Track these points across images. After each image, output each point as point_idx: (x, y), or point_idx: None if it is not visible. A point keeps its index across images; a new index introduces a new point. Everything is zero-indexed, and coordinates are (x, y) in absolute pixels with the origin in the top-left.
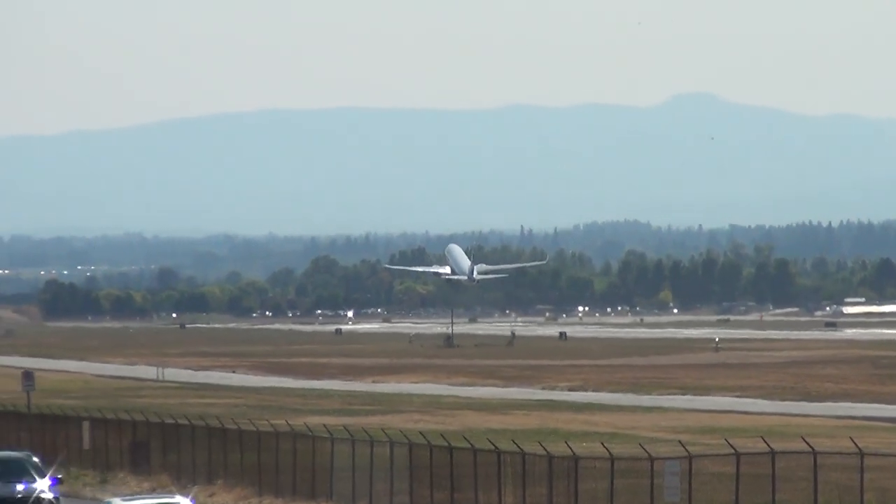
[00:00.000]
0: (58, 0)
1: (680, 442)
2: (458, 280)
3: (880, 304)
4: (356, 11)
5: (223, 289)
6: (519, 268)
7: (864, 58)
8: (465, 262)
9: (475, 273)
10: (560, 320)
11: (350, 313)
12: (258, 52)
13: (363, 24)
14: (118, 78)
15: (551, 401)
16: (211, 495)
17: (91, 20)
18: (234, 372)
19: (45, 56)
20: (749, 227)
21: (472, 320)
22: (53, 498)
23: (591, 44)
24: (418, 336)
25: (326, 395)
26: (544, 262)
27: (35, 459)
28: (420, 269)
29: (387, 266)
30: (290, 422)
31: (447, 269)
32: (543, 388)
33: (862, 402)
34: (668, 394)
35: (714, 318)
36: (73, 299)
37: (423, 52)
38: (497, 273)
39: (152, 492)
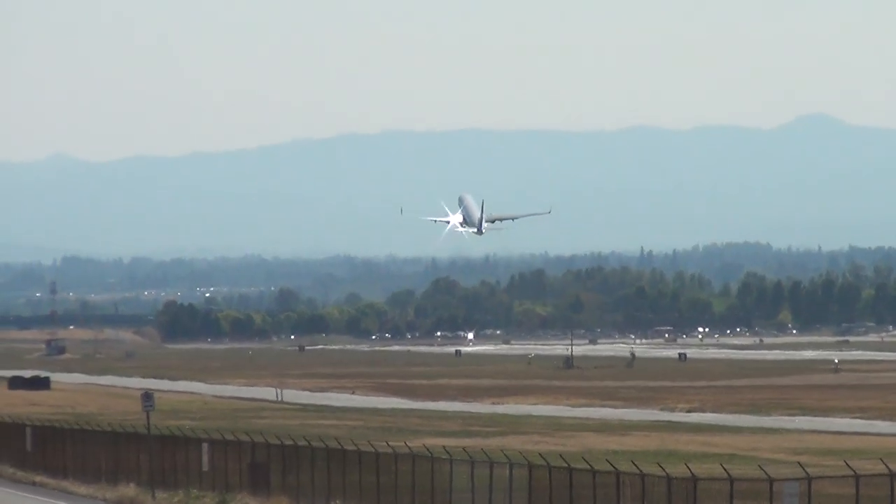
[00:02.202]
0: (179, 23)
1: (799, 464)
2: (467, 231)
3: None
4: (475, 35)
5: (342, 310)
6: (520, 217)
7: None
8: (477, 213)
9: (483, 225)
10: (680, 341)
11: (470, 335)
12: (381, 72)
13: (482, 47)
14: (238, 99)
15: (670, 422)
16: None
17: (212, 42)
18: (353, 393)
19: (164, 78)
20: (869, 248)
21: (592, 341)
22: None
23: (712, 66)
24: (537, 357)
25: (446, 417)
26: (548, 212)
27: None
28: (433, 218)
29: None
30: (409, 443)
31: (459, 219)
32: (662, 410)
33: None
34: (788, 415)
35: (833, 339)
36: (192, 321)
37: (543, 73)
38: (503, 220)
39: None
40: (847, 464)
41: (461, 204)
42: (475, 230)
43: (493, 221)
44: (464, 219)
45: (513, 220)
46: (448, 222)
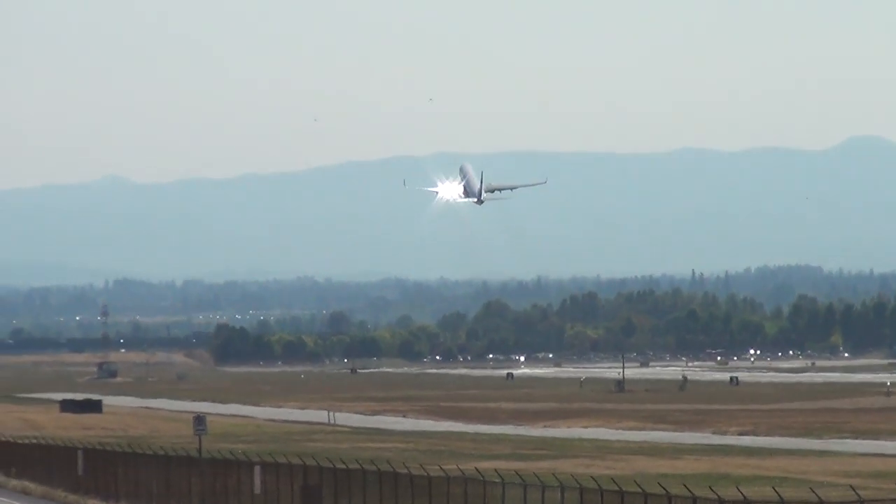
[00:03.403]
0: (231, 47)
1: (851, 487)
2: (466, 200)
3: None
4: (524, 58)
5: (394, 333)
6: (520, 188)
7: None
8: (477, 184)
9: (483, 195)
10: (731, 364)
11: (521, 358)
12: (433, 95)
13: (531, 70)
14: (290, 122)
15: (722, 445)
16: None
17: (265, 65)
18: (405, 416)
19: (216, 101)
20: None
21: (644, 364)
22: None
23: (762, 87)
24: (589, 381)
25: (497, 440)
26: (544, 182)
27: None
28: (434, 189)
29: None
30: (461, 466)
31: (460, 189)
32: (714, 433)
33: None
34: (840, 438)
35: (885, 362)
36: (244, 344)
37: (593, 95)
38: (503, 189)
39: None
40: None
41: (462, 174)
42: (475, 200)
43: (492, 191)
44: (464, 189)
45: (511, 189)
46: (437, 192)
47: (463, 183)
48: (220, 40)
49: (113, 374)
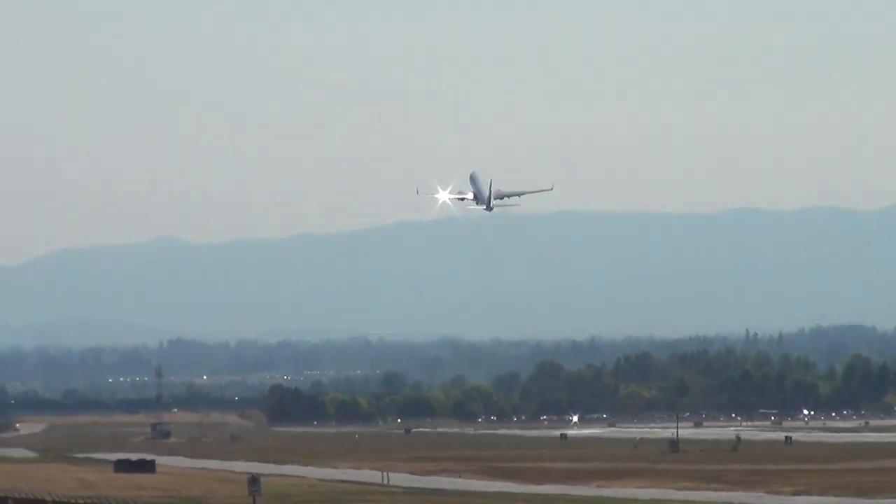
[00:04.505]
0: (281, 107)
1: None
2: (477, 208)
3: None
4: (572, 113)
5: (448, 393)
6: (526, 194)
7: None
8: (486, 191)
9: (492, 202)
10: (785, 424)
11: (575, 418)
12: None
13: (580, 126)
14: (343, 181)
15: None
16: None
17: (315, 125)
18: (459, 476)
19: (268, 161)
20: None
21: (697, 424)
22: None
23: (814, 147)
24: (643, 441)
25: (551, 500)
26: (550, 188)
27: None
28: (447, 196)
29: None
30: None
31: (470, 195)
32: (768, 493)
33: None
34: (893, 498)
35: None
36: (297, 404)
37: (646, 154)
38: (511, 196)
39: None
40: None
41: (473, 181)
42: (485, 206)
43: (501, 198)
44: (475, 196)
45: (519, 195)
46: (462, 199)
47: (473, 190)
48: (272, 102)
49: (166, 435)
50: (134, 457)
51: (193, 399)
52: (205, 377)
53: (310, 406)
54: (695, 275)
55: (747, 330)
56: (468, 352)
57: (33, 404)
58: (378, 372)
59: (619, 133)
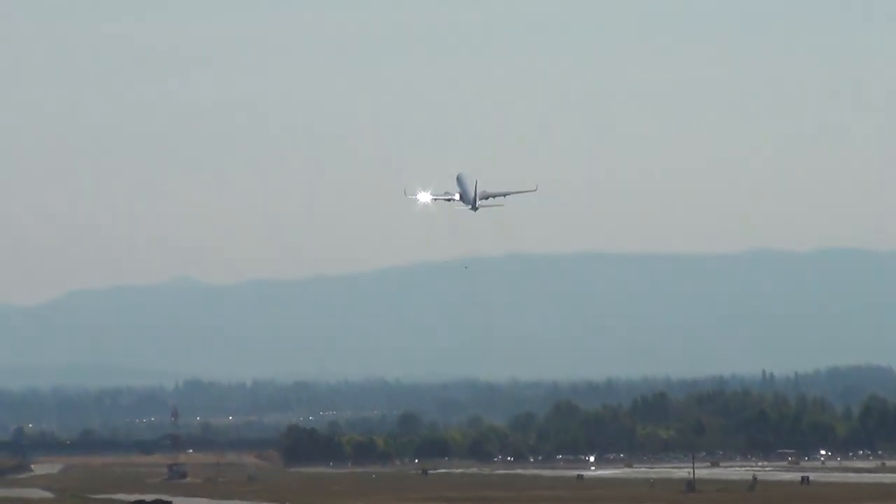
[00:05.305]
0: (298, 148)
1: None
2: (463, 208)
3: None
4: (600, 157)
5: (465, 433)
6: (511, 195)
7: None
8: (472, 192)
9: (477, 202)
10: (802, 464)
11: (591, 458)
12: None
13: (607, 170)
14: (358, 223)
15: None
16: None
17: (332, 167)
18: None
19: (285, 202)
20: None
21: (714, 465)
22: None
23: (832, 188)
24: (659, 481)
25: None
26: (534, 189)
27: None
28: (436, 197)
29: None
30: None
31: (456, 196)
32: None
33: None
34: None
35: None
36: (314, 444)
37: (666, 195)
38: (496, 196)
39: None
40: None
41: (460, 182)
42: (471, 207)
43: (486, 199)
44: (460, 196)
45: (504, 196)
46: (450, 199)
47: (459, 191)
48: (286, 144)
49: (183, 476)
50: (150, 498)
51: (210, 440)
52: (230, 418)
53: (326, 446)
54: (710, 315)
55: (763, 370)
56: (485, 392)
57: (50, 445)
58: (395, 412)
59: (634, 175)
